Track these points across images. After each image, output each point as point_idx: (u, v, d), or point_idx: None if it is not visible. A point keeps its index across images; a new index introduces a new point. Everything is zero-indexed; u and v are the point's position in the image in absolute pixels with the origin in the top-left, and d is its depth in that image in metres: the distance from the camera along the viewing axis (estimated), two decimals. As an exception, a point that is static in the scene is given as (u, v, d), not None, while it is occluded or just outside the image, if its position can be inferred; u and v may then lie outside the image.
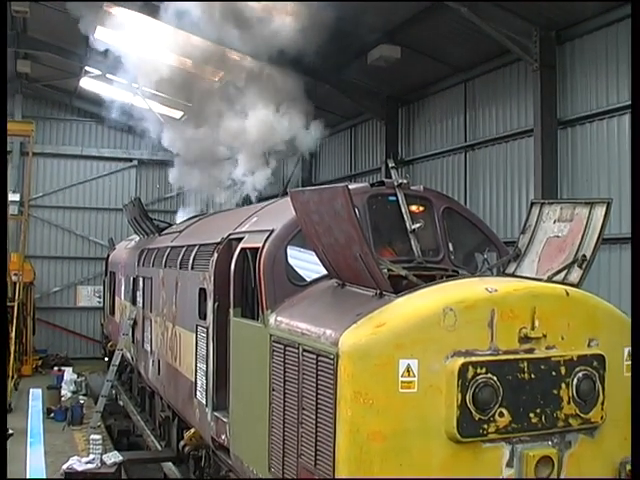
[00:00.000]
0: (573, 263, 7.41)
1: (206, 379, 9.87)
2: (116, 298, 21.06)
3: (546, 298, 6.47)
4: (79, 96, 28.46)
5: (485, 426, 6.05)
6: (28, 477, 12.85)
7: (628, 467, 6.64)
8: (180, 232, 14.45)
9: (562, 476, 6.36)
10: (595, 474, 6.55)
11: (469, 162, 17.14)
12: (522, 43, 13.96)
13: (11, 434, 13.24)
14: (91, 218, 29.96)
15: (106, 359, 23.29)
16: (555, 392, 6.32)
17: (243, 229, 9.48)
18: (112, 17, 18.59)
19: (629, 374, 6.80)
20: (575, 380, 6.38)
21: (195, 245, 11.36)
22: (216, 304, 9.46)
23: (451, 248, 8.57)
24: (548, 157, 13.89)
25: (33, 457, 14.11)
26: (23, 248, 24.40)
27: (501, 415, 6.10)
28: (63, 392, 19.14)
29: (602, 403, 6.50)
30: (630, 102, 12.34)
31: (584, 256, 7.37)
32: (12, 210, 25.05)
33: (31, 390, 20.54)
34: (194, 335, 10.58)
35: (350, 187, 6.29)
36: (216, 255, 9.66)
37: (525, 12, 13.71)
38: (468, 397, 5.98)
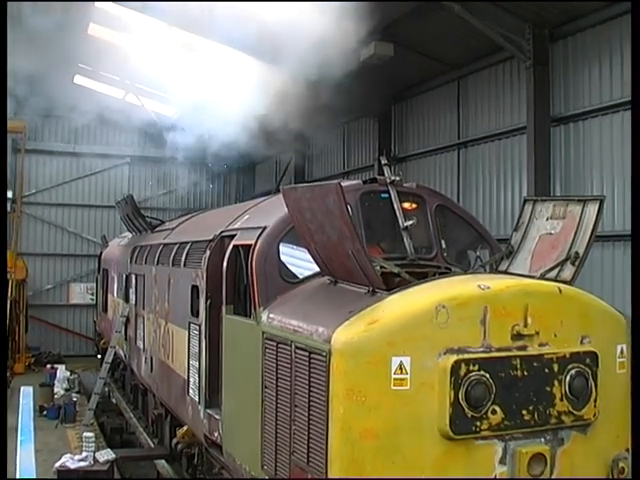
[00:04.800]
0: (566, 260, 7.42)
1: (199, 376, 9.85)
2: (109, 295, 20.99)
3: (539, 295, 6.45)
4: (72, 92, 28.25)
5: (478, 423, 6.04)
6: (19, 477, 12.79)
7: (621, 464, 6.65)
8: (173, 229, 14.41)
9: (555, 473, 6.36)
10: (588, 471, 6.55)
11: (462, 159, 17.16)
12: (515, 41, 13.98)
13: None
14: (84, 215, 29.78)
15: (99, 356, 23.22)
16: (548, 389, 6.31)
17: (235, 226, 9.46)
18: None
19: (622, 371, 6.81)
20: (568, 377, 6.37)
21: (187, 242, 11.33)
22: (208, 301, 9.43)
23: (444, 245, 8.56)
24: (541, 154, 13.91)
25: (23, 455, 14.04)
26: (15, 245, 24.38)
27: (494, 412, 6.09)
28: (56, 390, 19.05)
29: (595, 400, 6.49)
30: (622, 100, 12.39)
31: (577, 253, 7.37)
32: (4, 207, 24.97)
33: (22, 388, 20.44)
34: (187, 332, 10.55)
35: (342, 184, 6.28)
36: (208, 252, 9.63)
37: (518, 10, 13.72)
38: (461, 394, 5.97)
